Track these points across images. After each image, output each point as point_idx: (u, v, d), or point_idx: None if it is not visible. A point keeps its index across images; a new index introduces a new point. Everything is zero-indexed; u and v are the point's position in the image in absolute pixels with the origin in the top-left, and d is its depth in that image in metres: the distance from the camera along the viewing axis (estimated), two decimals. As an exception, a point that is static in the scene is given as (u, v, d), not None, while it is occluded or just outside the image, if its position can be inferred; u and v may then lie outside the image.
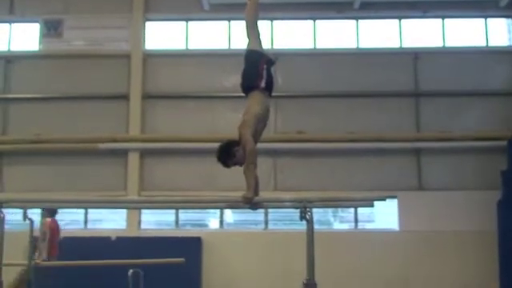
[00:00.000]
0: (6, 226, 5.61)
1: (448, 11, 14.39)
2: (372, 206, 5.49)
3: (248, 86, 5.93)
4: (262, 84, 5.86)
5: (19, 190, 13.13)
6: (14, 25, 14.97)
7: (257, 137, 5.65)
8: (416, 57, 14.25)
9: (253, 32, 6.20)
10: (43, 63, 14.63)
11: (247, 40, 6.24)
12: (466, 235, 13.15)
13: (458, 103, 14.06)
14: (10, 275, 6.43)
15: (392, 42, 14.50)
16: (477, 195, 13.37)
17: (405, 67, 14.25)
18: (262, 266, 13.09)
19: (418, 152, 13.93)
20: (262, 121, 5.76)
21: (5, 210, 5.51)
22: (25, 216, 5.92)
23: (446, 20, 14.47)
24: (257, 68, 5.95)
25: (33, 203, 6.36)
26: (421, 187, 13.80)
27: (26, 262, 7.56)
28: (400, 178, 13.74)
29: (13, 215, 6.66)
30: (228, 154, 5.56)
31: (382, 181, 13.51)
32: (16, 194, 11.92)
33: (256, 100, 5.81)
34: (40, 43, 14.70)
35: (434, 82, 14.15)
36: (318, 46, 14.51)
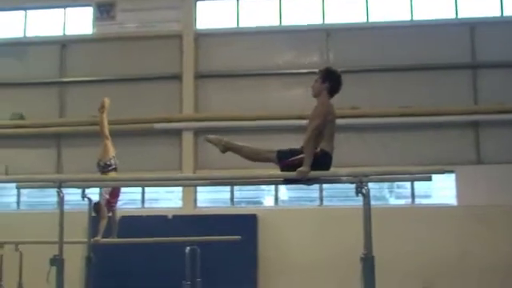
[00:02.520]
0: (65, 206, 5.74)
1: (505, -20, 13.97)
2: (430, 179, 5.38)
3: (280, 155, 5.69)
4: (280, 161, 5.62)
5: (77, 170, 13.39)
6: (68, 9, 15.21)
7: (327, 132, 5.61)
8: (472, 28, 13.89)
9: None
10: (97, 46, 14.85)
11: None
12: (525, 210, 12.87)
13: (517, 74, 13.69)
14: (70, 254, 6.55)
15: (447, 14, 14.14)
16: (536, 168, 13.06)
17: (461, 39, 13.91)
18: (318, 242, 13.07)
19: (475, 125, 13.63)
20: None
21: (64, 191, 5.62)
22: (83, 195, 6.01)
23: (504, -11, 14.05)
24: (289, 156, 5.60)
25: (91, 182, 6.47)
26: (479, 161, 13.52)
27: (85, 240, 7.70)
28: (457, 152, 13.47)
29: (72, 196, 6.82)
30: (327, 76, 5.72)
31: (439, 155, 13.26)
32: (74, 175, 12.16)
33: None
34: (93, 27, 14.92)
35: (492, 53, 13.78)
36: (370, 20, 14.28)
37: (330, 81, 5.73)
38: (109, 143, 9.36)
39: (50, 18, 15.26)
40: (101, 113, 9.50)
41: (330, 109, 5.69)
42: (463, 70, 13.91)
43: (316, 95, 5.76)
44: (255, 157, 5.86)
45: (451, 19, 14.09)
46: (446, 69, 13.87)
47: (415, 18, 14.19)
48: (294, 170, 5.32)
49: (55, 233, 5.93)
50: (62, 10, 15.18)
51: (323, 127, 5.55)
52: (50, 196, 14.00)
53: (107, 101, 9.57)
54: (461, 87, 13.80)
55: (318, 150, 5.49)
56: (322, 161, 5.50)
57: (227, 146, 5.79)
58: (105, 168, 9.14)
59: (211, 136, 5.84)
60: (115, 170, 9.24)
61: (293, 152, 5.53)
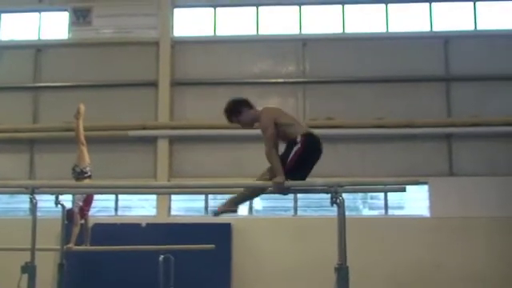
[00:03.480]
0: (38, 213, 5.68)
1: (480, -6, 14.18)
2: (404, 190, 5.43)
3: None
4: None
5: (50, 177, 13.25)
6: (43, 13, 15.08)
7: (280, 132, 5.56)
8: (447, 41, 14.06)
9: None
10: (72, 51, 14.73)
11: None
12: (497, 221, 13.00)
13: (490, 88, 13.84)
14: (42, 261, 6.48)
15: (422, 26, 14.31)
16: (508, 181, 13.23)
17: (435, 51, 14.06)
18: (292, 252, 13.08)
19: (448, 137, 13.77)
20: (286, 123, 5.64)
21: (37, 197, 5.57)
22: (57, 201, 5.96)
23: (477, 3, 14.23)
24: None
25: (64, 189, 6.42)
26: (452, 173, 13.65)
27: (58, 247, 7.63)
28: (430, 164, 13.59)
29: (45, 202, 6.76)
30: (235, 109, 5.73)
31: (413, 167, 13.39)
32: (48, 181, 12.04)
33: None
34: (69, 31, 14.80)
35: (465, 66, 13.95)
36: (346, 31, 14.38)
37: (239, 109, 5.76)
38: (85, 150, 9.33)
39: (25, 22, 15.12)
40: (77, 119, 9.48)
41: (271, 114, 5.66)
42: (437, 82, 14.06)
43: (254, 124, 5.75)
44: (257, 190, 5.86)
45: (426, 32, 14.25)
46: (420, 81, 14.01)
47: (391, 29, 14.32)
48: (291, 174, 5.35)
49: (27, 240, 5.88)
50: (38, 14, 15.05)
51: (277, 131, 5.54)
52: (21, 202, 13.85)
53: (83, 107, 9.54)
54: (434, 100, 13.94)
55: (299, 138, 5.50)
56: (310, 141, 5.55)
57: (235, 201, 5.81)
58: (80, 175, 9.10)
59: (219, 210, 5.86)
60: (90, 177, 9.21)
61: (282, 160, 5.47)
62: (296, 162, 5.41)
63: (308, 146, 5.46)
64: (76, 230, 8.88)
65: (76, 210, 8.99)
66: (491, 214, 13.05)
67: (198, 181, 12.55)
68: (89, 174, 9.23)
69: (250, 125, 5.76)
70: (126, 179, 12.81)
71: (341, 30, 14.39)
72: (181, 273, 10.11)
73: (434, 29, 14.26)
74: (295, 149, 5.43)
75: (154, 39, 14.52)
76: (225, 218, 13.55)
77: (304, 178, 5.49)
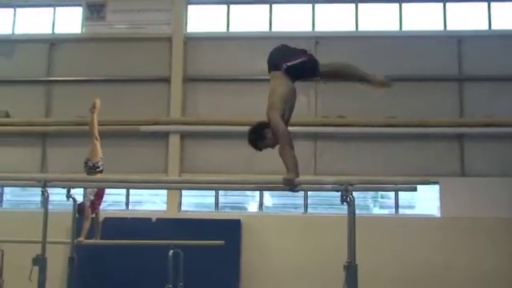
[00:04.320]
0: (49, 206, 5.73)
1: (494, -6, 14.12)
2: (415, 189, 5.41)
3: (272, 63, 5.78)
4: (284, 65, 5.65)
5: (62, 171, 13.31)
6: (58, 8, 15.15)
7: (286, 118, 5.52)
8: (460, 40, 14.00)
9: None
10: (86, 46, 14.80)
11: None
12: (508, 222, 12.94)
13: (503, 88, 13.78)
14: (53, 254, 6.53)
15: (436, 26, 14.26)
16: (520, 182, 13.19)
17: (448, 51, 14.01)
18: (301, 249, 13.09)
19: (460, 137, 13.72)
20: (288, 101, 5.58)
21: (49, 190, 5.60)
22: (68, 195, 5.99)
23: (492, 3, 14.16)
24: (291, 54, 5.78)
25: (76, 182, 6.46)
26: (463, 173, 13.60)
27: (69, 240, 7.67)
28: (442, 164, 13.55)
29: (56, 196, 6.79)
30: (258, 136, 5.54)
31: (424, 166, 13.34)
32: (60, 174, 12.11)
33: (279, 81, 5.63)
34: (83, 26, 14.88)
35: (479, 66, 13.88)
36: (359, 29, 14.36)
37: (262, 134, 5.60)
38: (98, 144, 9.37)
39: (40, 17, 15.19)
40: (92, 113, 9.52)
41: (277, 111, 5.51)
42: (450, 82, 14.02)
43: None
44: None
45: (439, 31, 14.20)
46: (432, 80, 13.97)
47: (404, 28, 14.28)
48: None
49: (38, 232, 5.92)
50: (52, 8, 15.12)
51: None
52: (33, 195, 13.94)
53: (98, 101, 9.59)
54: (447, 99, 13.90)
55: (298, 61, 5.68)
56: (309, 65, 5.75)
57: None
58: (92, 169, 9.14)
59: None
60: (101, 172, 9.26)
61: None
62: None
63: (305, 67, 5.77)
64: (87, 224, 8.93)
65: (87, 203, 9.03)
66: (502, 215, 13.00)
67: (209, 176, 12.59)
68: (101, 168, 9.28)
69: (277, 142, 5.57)
70: (137, 174, 12.85)
71: (354, 29, 14.37)
72: (190, 268, 10.13)
73: (448, 28, 14.20)
74: None
75: (167, 35, 14.55)
76: (234, 214, 13.65)
77: None
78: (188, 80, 14.41)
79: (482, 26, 14.16)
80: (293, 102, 5.68)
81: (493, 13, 14.14)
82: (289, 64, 5.66)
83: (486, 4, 14.19)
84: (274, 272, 13.14)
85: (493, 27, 14.12)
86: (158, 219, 13.39)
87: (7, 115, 14.45)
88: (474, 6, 14.30)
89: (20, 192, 14.59)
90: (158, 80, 14.48)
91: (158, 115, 14.20)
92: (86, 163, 9.31)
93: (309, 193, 13.12)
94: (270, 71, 5.79)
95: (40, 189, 5.56)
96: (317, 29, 14.34)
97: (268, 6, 14.56)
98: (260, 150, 5.60)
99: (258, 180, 5.94)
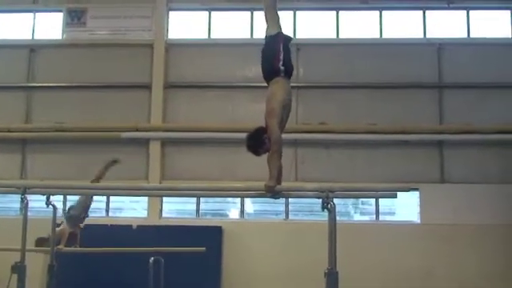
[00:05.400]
0: (29, 213, 5.68)
1: (472, 3, 14.30)
2: (395, 196, 5.44)
3: (268, 69, 5.88)
4: (281, 66, 5.78)
5: (42, 177, 13.23)
6: (38, 14, 15.06)
7: (282, 124, 5.65)
8: (440, 48, 14.13)
9: (272, 16, 6.09)
10: (66, 52, 14.72)
11: (266, 25, 6.12)
12: (487, 229, 13.04)
13: (482, 95, 13.92)
14: (33, 261, 6.48)
15: (416, 33, 14.37)
16: (499, 189, 13.33)
17: (428, 58, 14.14)
18: (282, 256, 13.09)
19: (440, 144, 13.83)
20: (286, 107, 5.72)
21: (28, 197, 5.56)
22: (48, 202, 5.94)
23: (471, 11, 14.32)
24: (274, 49, 5.88)
25: (56, 189, 6.41)
26: (443, 180, 13.70)
27: (48, 248, 7.61)
28: (422, 171, 13.64)
29: (36, 202, 6.74)
30: (259, 141, 5.55)
31: (404, 173, 13.42)
32: (39, 181, 12.02)
33: (278, 86, 5.76)
34: (63, 32, 14.81)
35: (458, 73, 14.02)
36: (340, 37, 14.43)
37: (260, 140, 5.58)
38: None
39: (20, 22, 15.09)
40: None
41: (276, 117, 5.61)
42: (430, 89, 14.14)
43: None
44: None
45: (419, 39, 14.32)
46: (412, 87, 14.08)
47: (384, 35, 14.39)
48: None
49: (18, 239, 5.87)
50: (32, 14, 15.02)
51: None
52: (12, 202, 13.80)
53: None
54: (427, 106, 14.01)
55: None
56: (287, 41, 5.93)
57: None
58: (77, 221, 9.33)
59: None
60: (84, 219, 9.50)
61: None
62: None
63: None
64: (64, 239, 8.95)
65: (66, 232, 9.07)
66: (482, 221, 13.09)
67: (190, 183, 12.54)
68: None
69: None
70: (117, 181, 12.74)
71: (335, 36, 14.44)
72: (171, 275, 10.09)
73: (428, 36, 14.33)
74: None
75: (148, 41, 14.53)
76: (216, 221, 13.63)
77: None
78: (169, 86, 14.38)
79: (461, 33, 14.31)
80: (290, 107, 5.81)
81: (472, 21, 14.29)
82: (281, 60, 5.80)
83: (464, 12, 14.34)
84: (255, 279, 13.12)
85: (472, 35, 14.27)
86: (138, 226, 13.32)
87: (-14, 121, 14.32)
88: (453, 14, 14.44)
89: (-1, 198, 14.44)
90: (139, 86, 14.43)
91: (139, 122, 14.15)
92: (69, 211, 9.46)
93: (290, 199, 13.12)
94: (268, 81, 5.89)
95: (19, 195, 5.52)
96: (298, 36, 14.38)
97: (249, 12, 14.59)
98: (259, 155, 5.61)
99: (240, 187, 5.92)
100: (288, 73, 5.86)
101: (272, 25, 6.07)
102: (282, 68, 5.78)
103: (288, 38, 6.03)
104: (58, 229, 9.09)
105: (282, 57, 5.82)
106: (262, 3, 6.18)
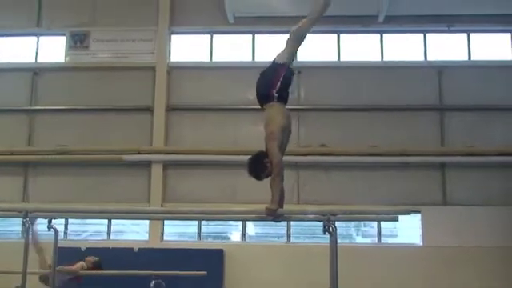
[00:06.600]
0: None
1: (473, 25, 14.34)
2: (397, 219, 5.45)
3: (262, 94, 5.94)
4: (275, 93, 5.83)
5: (44, 200, 13.25)
6: (41, 37, 15.17)
7: (283, 147, 5.66)
8: (441, 71, 14.18)
9: (292, 46, 6.15)
10: (69, 75, 14.79)
11: (282, 50, 6.14)
12: (490, 251, 12.99)
13: (484, 118, 13.94)
14: (34, 285, 6.47)
15: (416, 56, 14.45)
16: (502, 211, 13.29)
17: (429, 81, 14.18)
18: (284, 279, 13.01)
19: (442, 166, 13.82)
20: (286, 130, 5.74)
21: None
22: (49, 226, 5.94)
23: (471, 34, 14.41)
24: (274, 76, 5.92)
25: (58, 213, 6.41)
26: (445, 202, 13.68)
27: (50, 270, 7.60)
28: (424, 193, 13.62)
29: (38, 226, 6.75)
30: (260, 166, 5.55)
31: (406, 195, 13.41)
32: (41, 205, 12.01)
33: (276, 110, 5.79)
34: (66, 55, 14.89)
35: (459, 96, 14.07)
36: (341, 60, 14.50)
37: (262, 164, 5.58)
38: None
39: (23, 45, 15.20)
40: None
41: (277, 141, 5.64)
42: (431, 111, 14.16)
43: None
44: None
45: (420, 61, 14.39)
46: (414, 110, 14.11)
47: (385, 58, 14.45)
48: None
49: (19, 263, 5.86)
50: (35, 37, 15.13)
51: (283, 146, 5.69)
52: (14, 225, 13.79)
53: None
54: (428, 129, 14.03)
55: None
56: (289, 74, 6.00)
57: None
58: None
59: None
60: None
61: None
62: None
63: None
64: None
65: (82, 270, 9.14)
66: (484, 243, 13.05)
67: (191, 206, 12.50)
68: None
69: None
70: (119, 203, 12.79)
71: (336, 59, 14.51)
72: (172, 298, 10.04)
73: (429, 58, 14.40)
74: None
75: (150, 64, 14.60)
76: (217, 244, 13.59)
77: None
78: (171, 109, 14.43)
79: (462, 56, 14.38)
80: (290, 130, 5.86)
81: (472, 44, 14.37)
82: (277, 88, 5.84)
83: (465, 35, 14.42)
84: (256, 302, 13.06)
85: (472, 58, 14.34)
86: (140, 249, 13.28)
87: (-11, 144, 14.35)
88: (454, 36, 14.52)
89: (1, 222, 14.41)
90: (141, 109, 14.48)
91: (141, 144, 14.17)
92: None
93: (292, 222, 13.10)
94: (262, 105, 5.94)
95: (21, 219, 5.52)
96: (299, 59, 14.38)
97: (251, 36, 14.68)
98: (261, 179, 5.61)
99: (241, 210, 5.92)
100: (283, 99, 5.89)
101: (286, 54, 6.11)
102: (275, 95, 5.80)
103: (292, 72, 6.08)
104: (77, 264, 9.16)
105: (278, 85, 5.86)
106: (293, 31, 6.24)
